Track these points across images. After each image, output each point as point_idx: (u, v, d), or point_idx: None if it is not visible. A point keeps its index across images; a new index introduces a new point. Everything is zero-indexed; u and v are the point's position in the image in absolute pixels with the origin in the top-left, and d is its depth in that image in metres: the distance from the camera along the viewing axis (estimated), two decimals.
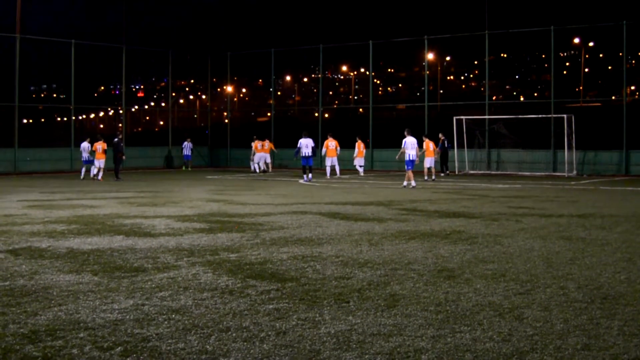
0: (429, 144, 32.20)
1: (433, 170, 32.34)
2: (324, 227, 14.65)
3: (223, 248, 11.87)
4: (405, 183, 27.53)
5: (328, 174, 34.61)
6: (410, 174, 27.36)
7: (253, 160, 39.86)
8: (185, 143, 43.92)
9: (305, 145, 31.90)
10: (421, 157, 31.16)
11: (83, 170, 34.78)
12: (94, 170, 34.06)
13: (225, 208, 19.03)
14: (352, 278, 9.31)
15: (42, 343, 6.43)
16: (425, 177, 31.79)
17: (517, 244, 12.27)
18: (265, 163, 39.98)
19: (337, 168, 35.04)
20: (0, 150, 40.00)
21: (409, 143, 27.48)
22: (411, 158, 27.35)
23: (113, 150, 33.57)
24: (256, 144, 39.75)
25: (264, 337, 6.61)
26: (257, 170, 39.29)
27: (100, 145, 33.44)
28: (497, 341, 6.49)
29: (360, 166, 36.78)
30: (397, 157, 28.40)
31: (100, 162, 33.54)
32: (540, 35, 41.51)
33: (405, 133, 27.93)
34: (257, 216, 16.93)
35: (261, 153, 39.60)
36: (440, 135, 36.43)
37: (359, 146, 36.58)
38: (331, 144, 34.63)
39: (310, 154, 31.67)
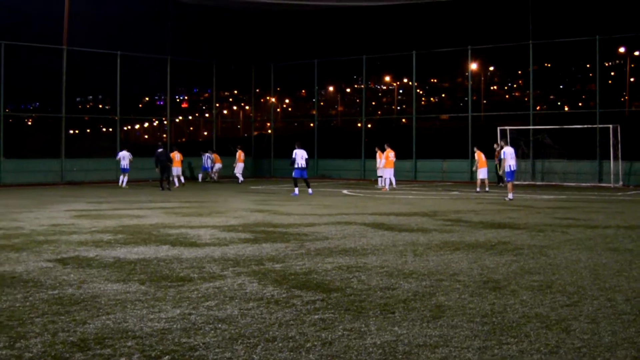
0: (480, 155, 31.58)
1: (487, 181, 31.72)
2: (369, 238, 14.64)
3: (268, 258, 11.91)
4: (510, 195, 26.34)
5: (387, 185, 33.38)
6: (510, 185, 26.50)
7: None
8: (207, 155, 42.80)
9: (301, 156, 29.76)
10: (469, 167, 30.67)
11: (122, 178, 36.07)
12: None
13: (269, 218, 19.10)
14: (397, 289, 9.29)
15: (91, 351, 6.49)
16: (478, 189, 31.23)
17: (563, 256, 12.15)
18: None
19: (394, 179, 34.06)
20: (48, 161, 40.54)
21: (508, 153, 26.55)
22: (512, 169, 26.45)
23: (156, 160, 33.93)
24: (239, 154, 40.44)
25: (310, 348, 6.62)
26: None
27: (178, 155, 36.53)
28: (544, 353, 6.44)
29: (385, 178, 34.22)
30: (500, 171, 27.04)
31: (177, 169, 36.55)
32: (585, 45, 41.11)
33: (502, 143, 27.28)
34: (302, 226, 16.96)
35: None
36: (495, 146, 35.96)
37: (388, 155, 34.06)
38: (391, 154, 33.58)
39: (304, 166, 29.64)
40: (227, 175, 42.33)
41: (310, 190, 29.52)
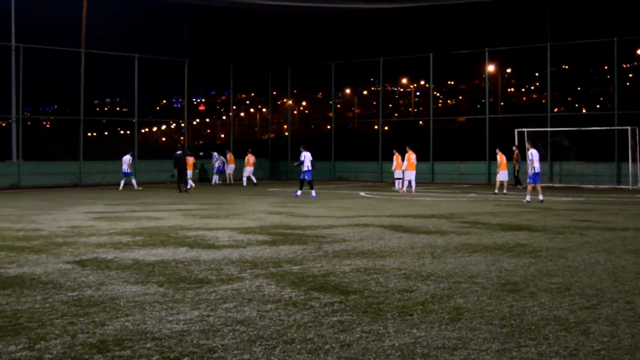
0: (502, 157, 31.42)
1: (505, 183, 31.56)
2: (386, 240, 14.63)
3: (286, 260, 11.93)
4: (528, 197, 26.26)
5: (406, 187, 33.02)
6: (538, 187, 26.27)
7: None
8: (216, 156, 42.33)
9: (309, 158, 29.88)
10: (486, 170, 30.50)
11: (122, 183, 36.16)
12: (133, 182, 36.27)
13: (287, 220, 19.13)
14: (415, 291, 9.28)
15: (111, 353, 6.52)
16: (496, 191, 31.05)
17: (581, 258, 12.11)
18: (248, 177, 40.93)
19: (414, 183, 33.59)
20: (66, 163, 40.75)
21: (535, 155, 26.33)
22: (537, 171, 26.12)
23: (175, 163, 34.07)
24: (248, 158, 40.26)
25: (328, 349, 6.62)
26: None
27: (191, 159, 37.72)
28: (563, 356, 6.42)
29: (406, 180, 33.68)
30: (529, 172, 26.77)
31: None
32: (603, 47, 40.93)
33: (528, 145, 27.05)
34: (319, 228, 16.97)
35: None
36: (514, 148, 35.76)
37: (409, 157, 33.35)
38: (412, 156, 33.20)
39: (310, 168, 29.74)
40: (239, 178, 42.18)
41: (313, 193, 29.47)
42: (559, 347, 6.68)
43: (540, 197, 26.13)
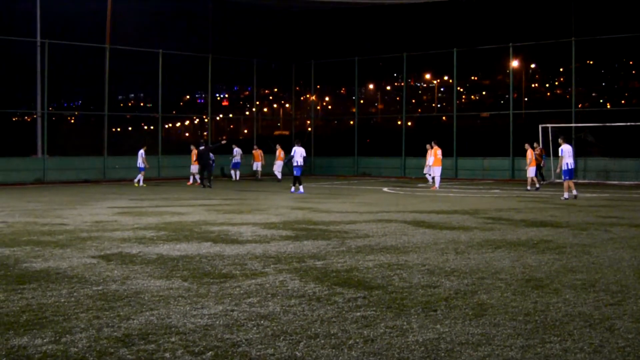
0: (532, 153, 31.17)
1: (536, 179, 31.32)
2: (410, 236, 14.61)
3: (309, 255, 11.95)
4: (566, 195, 25.69)
5: (437, 184, 32.46)
6: (571, 183, 25.80)
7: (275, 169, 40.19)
8: (236, 149, 41.56)
9: (300, 154, 29.66)
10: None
11: (139, 177, 35.96)
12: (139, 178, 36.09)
13: (310, 216, 19.14)
14: (439, 287, 9.28)
15: (135, 347, 6.58)
16: (529, 187, 30.81)
17: (606, 254, 12.04)
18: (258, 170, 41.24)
19: (438, 179, 33.03)
20: (91, 158, 40.94)
21: (566, 151, 25.84)
22: (570, 167, 25.74)
23: (198, 158, 34.16)
24: (279, 152, 40.06)
25: (352, 345, 6.63)
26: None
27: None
28: (588, 352, 6.40)
29: (435, 176, 33.51)
30: (557, 169, 26.52)
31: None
32: (628, 42, 40.59)
33: (560, 141, 26.72)
34: (342, 224, 16.97)
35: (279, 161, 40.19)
36: (535, 145, 35.46)
37: (436, 153, 33.25)
38: (439, 152, 32.96)
39: (302, 164, 29.53)
40: (264, 173, 42.12)
41: (301, 189, 29.23)
42: (584, 344, 6.66)
43: (574, 192, 25.77)
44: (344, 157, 48.37)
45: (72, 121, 62.77)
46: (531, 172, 30.86)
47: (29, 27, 39.73)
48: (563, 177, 25.97)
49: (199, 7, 50.93)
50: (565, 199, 25.43)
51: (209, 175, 34.05)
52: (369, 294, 8.84)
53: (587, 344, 6.67)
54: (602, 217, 18.59)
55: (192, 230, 15.61)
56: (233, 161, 41.21)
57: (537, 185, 30.99)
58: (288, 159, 29.84)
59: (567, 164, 25.65)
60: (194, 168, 37.20)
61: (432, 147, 33.89)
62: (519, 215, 19.09)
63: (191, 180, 37.32)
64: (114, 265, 11.02)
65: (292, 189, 29.29)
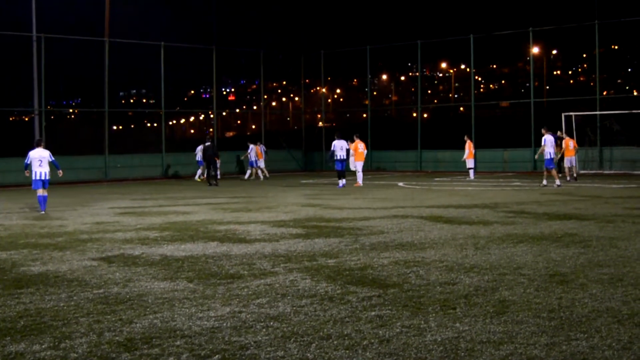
0: (568, 142, 30.79)
1: (575, 169, 31.01)
2: (426, 231, 14.31)
3: (321, 254, 11.68)
4: (545, 182, 27.46)
5: (472, 175, 33.90)
6: (554, 172, 27.26)
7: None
8: (252, 146, 41.59)
9: (340, 147, 29.52)
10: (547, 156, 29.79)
11: (199, 172, 36.43)
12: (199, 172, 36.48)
13: (321, 213, 18.82)
14: (457, 284, 9.05)
15: (139, 351, 6.44)
16: (568, 178, 30.35)
17: (634, 247, 11.73)
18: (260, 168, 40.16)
19: (472, 173, 34.07)
20: (91, 157, 40.25)
21: (549, 141, 27.31)
22: (551, 156, 27.32)
23: (204, 155, 33.94)
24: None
25: (366, 345, 6.47)
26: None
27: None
28: (616, 349, 6.23)
29: (470, 168, 34.73)
30: (536, 156, 27.90)
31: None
32: None
33: (543, 131, 27.61)
34: (355, 220, 16.68)
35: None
36: (559, 133, 34.99)
37: (470, 146, 34.24)
38: (472, 145, 33.68)
39: (344, 157, 29.47)
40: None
41: (340, 183, 29.31)
42: (612, 340, 6.49)
43: (546, 182, 27.45)
44: None
45: (72, 117, 61.90)
46: (567, 162, 30.46)
47: (24, 21, 38.91)
48: (548, 167, 27.30)
49: None
50: (558, 185, 26.73)
51: (216, 173, 33.82)
52: (384, 292, 8.62)
53: (615, 340, 6.48)
54: (629, 209, 18.21)
55: (197, 230, 15.33)
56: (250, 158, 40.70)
57: (575, 175, 30.58)
58: (331, 155, 29.61)
59: (549, 152, 27.21)
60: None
61: (468, 140, 34.54)
62: (541, 208, 18.72)
63: (198, 174, 37.41)
64: (115, 267, 10.80)
65: (340, 184, 29.23)
